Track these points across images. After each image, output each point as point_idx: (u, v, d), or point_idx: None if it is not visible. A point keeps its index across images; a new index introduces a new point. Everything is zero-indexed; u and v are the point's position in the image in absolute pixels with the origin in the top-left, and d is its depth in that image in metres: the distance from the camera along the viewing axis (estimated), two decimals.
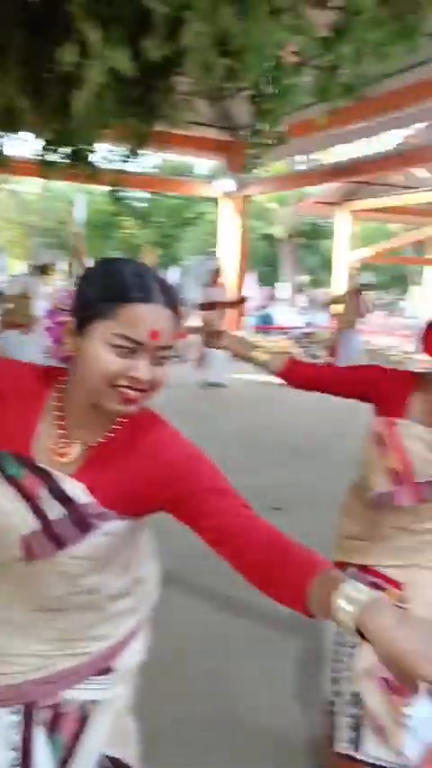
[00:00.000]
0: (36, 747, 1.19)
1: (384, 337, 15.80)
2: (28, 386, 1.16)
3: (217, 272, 9.78)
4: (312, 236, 28.70)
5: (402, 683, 0.81)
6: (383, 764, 1.73)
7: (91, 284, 1.07)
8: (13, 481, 1.11)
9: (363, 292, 9.78)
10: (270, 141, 5.92)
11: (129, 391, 1.05)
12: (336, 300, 10.26)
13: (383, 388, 1.83)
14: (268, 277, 28.87)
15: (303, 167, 11.91)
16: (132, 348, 1.04)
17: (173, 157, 20.78)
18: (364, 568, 1.82)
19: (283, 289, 23.28)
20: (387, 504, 1.80)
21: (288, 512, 4.08)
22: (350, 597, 0.86)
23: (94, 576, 1.17)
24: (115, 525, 1.13)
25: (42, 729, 1.21)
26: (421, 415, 1.76)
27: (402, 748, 1.66)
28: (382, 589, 1.76)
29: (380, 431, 1.80)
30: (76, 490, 1.10)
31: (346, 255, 15.77)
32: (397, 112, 9.57)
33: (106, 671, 1.26)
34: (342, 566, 1.85)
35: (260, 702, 2.54)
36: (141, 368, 1.04)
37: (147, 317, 1.03)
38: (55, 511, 1.10)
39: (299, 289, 26.07)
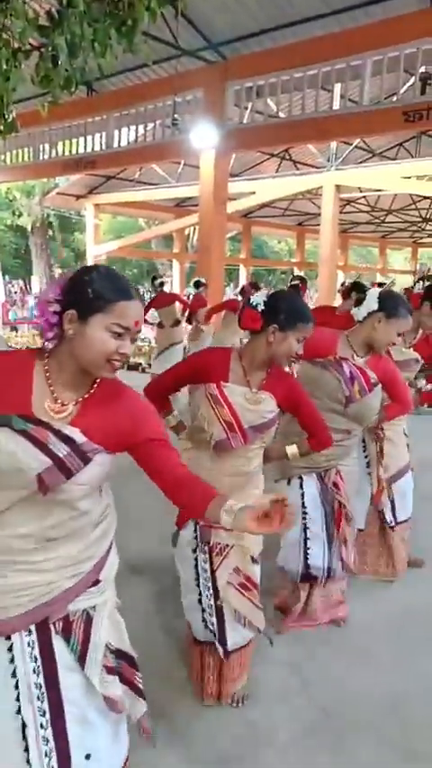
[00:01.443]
0: (58, 652, 1.59)
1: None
2: (14, 367, 1.55)
3: None
4: (63, 229, 28.26)
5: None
6: (242, 646, 2.51)
7: (88, 286, 1.48)
8: (24, 433, 1.49)
9: None
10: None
11: (116, 363, 1.52)
12: None
13: (209, 364, 2.42)
14: (19, 270, 27.78)
15: (47, 157, 11.62)
16: (122, 333, 1.50)
17: None
18: None
19: (34, 282, 22.60)
20: (225, 450, 2.36)
21: None
22: (229, 510, 1.54)
23: (86, 500, 1.58)
24: (104, 458, 1.56)
25: (60, 637, 1.60)
26: (238, 378, 2.40)
27: (260, 624, 2.48)
28: None
29: (213, 393, 2.36)
30: (75, 433, 1.52)
31: (93, 248, 15.85)
32: (132, 109, 9.86)
33: (96, 582, 1.67)
34: None
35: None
36: (127, 346, 1.52)
37: (132, 310, 1.51)
38: (62, 450, 1.50)
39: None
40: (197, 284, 8.67)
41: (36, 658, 1.57)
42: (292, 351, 2.33)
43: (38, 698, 1.56)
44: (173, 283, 17.78)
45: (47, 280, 24.08)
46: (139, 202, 15.72)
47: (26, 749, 1.55)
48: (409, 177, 11.20)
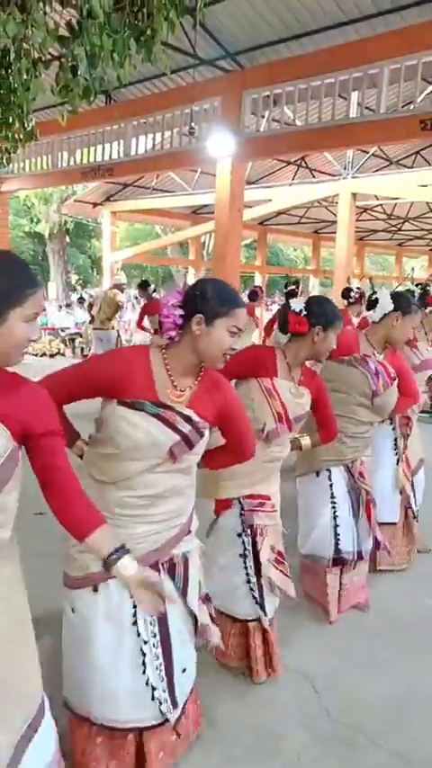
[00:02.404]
0: (165, 585, 1.89)
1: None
2: (135, 360, 1.94)
3: None
4: (80, 236, 28.48)
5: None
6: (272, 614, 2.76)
7: (212, 296, 1.91)
8: (157, 416, 1.90)
9: (120, 291, 9.99)
10: (18, 136, 5.80)
11: (228, 357, 1.95)
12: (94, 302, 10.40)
13: (262, 360, 2.68)
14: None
15: (65, 165, 11.74)
16: (236, 333, 1.93)
17: None
18: (249, 496, 2.69)
19: (51, 288, 22.79)
20: (274, 437, 2.62)
21: None
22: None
23: (194, 465, 2.07)
24: (209, 432, 2.00)
25: (166, 576, 2.02)
26: (285, 374, 2.69)
27: (292, 593, 2.75)
28: (264, 503, 2.69)
29: (268, 386, 2.65)
30: (192, 414, 1.95)
31: (110, 255, 15.94)
32: (149, 117, 9.94)
33: (189, 532, 2.12)
34: (230, 501, 2.71)
35: None
36: (236, 342, 1.94)
37: (244, 315, 1.96)
38: (185, 428, 1.93)
39: (70, 288, 25.70)
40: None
41: None
42: (331, 347, 2.67)
43: (150, 623, 1.99)
44: None
45: (63, 286, 24.27)
46: (156, 210, 15.81)
47: (143, 662, 2.00)
48: (426, 185, 11.13)
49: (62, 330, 16.50)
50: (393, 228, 18.26)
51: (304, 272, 23.84)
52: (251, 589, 2.69)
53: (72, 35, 3.97)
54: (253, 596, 2.69)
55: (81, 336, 15.20)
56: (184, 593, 2.07)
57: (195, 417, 1.94)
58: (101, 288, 14.53)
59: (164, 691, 2.02)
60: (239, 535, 2.70)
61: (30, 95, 4.49)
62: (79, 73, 4.12)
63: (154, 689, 2.01)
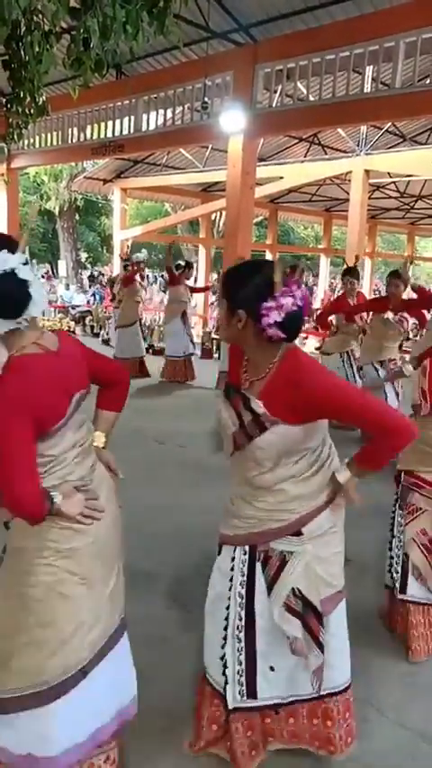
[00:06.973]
0: (257, 574, 2.05)
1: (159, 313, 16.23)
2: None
3: None
4: (90, 213, 28.33)
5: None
6: (419, 601, 2.87)
7: None
8: (230, 400, 2.02)
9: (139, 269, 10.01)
10: (29, 111, 5.74)
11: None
12: (113, 280, 10.41)
13: None
14: (46, 254, 27.94)
15: (75, 141, 11.62)
16: None
17: None
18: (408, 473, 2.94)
19: (61, 266, 22.75)
20: (416, 414, 2.90)
21: None
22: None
23: (269, 462, 1.96)
24: (281, 428, 1.90)
25: (259, 564, 2.05)
26: None
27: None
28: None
29: (425, 365, 2.90)
30: (257, 405, 1.93)
31: (119, 233, 15.86)
32: (161, 92, 9.82)
33: (298, 533, 2.01)
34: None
35: None
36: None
37: None
38: (247, 417, 1.95)
39: (79, 266, 25.64)
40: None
41: (244, 573, 2.06)
42: None
43: (239, 605, 2.06)
44: (198, 268, 17.75)
45: (73, 264, 24.20)
46: (166, 187, 15.69)
47: (224, 638, 2.08)
48: None
49: (73, 308, 16.52)
50: (406, 207, 18.03)
51: (315, 251, 23.65)
52: (394, 562, 2.93)
53: (84, 7, 3.91)
54: (392, 566, 2.94)
55: (91, 314, 15.21)
56: (269, 589, 2.04)
57: (260, 409, 1.91)
58: (107, 265, 14.50)
59: (238, 674, 2.05)
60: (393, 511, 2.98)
61: (41, 68, 4.44)
62: (92, 45, 4.06)
63: (225, 666, 2.07)
